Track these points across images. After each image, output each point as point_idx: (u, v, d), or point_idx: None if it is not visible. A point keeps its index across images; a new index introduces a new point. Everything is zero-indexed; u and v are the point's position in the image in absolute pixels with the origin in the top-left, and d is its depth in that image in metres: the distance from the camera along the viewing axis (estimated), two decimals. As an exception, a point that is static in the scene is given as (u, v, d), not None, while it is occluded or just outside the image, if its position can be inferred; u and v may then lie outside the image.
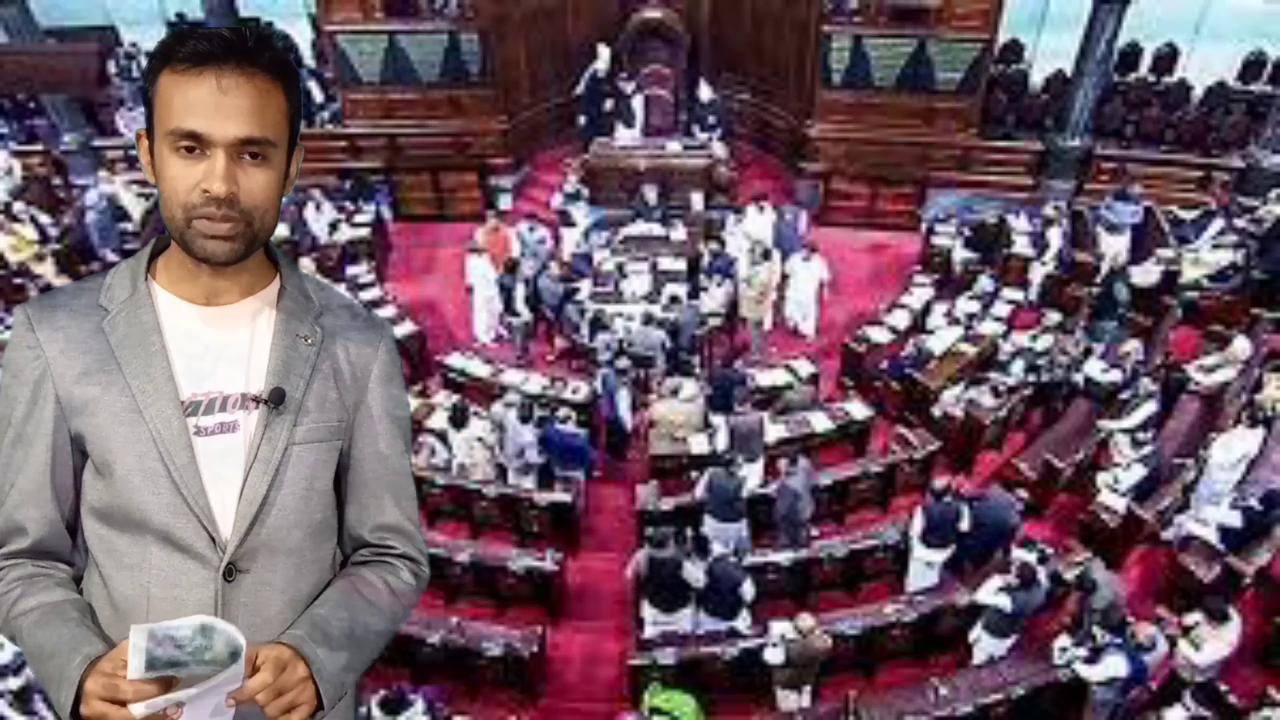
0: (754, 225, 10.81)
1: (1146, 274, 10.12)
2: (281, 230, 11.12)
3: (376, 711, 6.00)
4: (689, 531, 7.08)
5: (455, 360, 9.65)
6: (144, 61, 13.84)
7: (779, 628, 6.43)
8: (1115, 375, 8.76)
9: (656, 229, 11.08)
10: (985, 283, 10.56)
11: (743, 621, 6.89)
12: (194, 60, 1.22)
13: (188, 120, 1.22)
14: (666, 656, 6.53)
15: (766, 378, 9.44)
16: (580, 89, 12.64)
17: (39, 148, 12.82)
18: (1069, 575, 6.92)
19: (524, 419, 8.06)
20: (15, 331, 1.34)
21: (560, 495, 7.97)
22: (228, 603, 1.33)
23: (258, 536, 1.34)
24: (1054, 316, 9.61)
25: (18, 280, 10.17)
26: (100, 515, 1.34)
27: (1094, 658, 6.11)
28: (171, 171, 1.25)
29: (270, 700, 1.19)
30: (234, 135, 1.23)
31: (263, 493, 1.34)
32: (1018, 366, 9.11)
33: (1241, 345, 8.88)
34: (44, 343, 1.31)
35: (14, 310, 1.38)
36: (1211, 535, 7.15)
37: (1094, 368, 8.90)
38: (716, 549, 7.07)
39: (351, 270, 10.90)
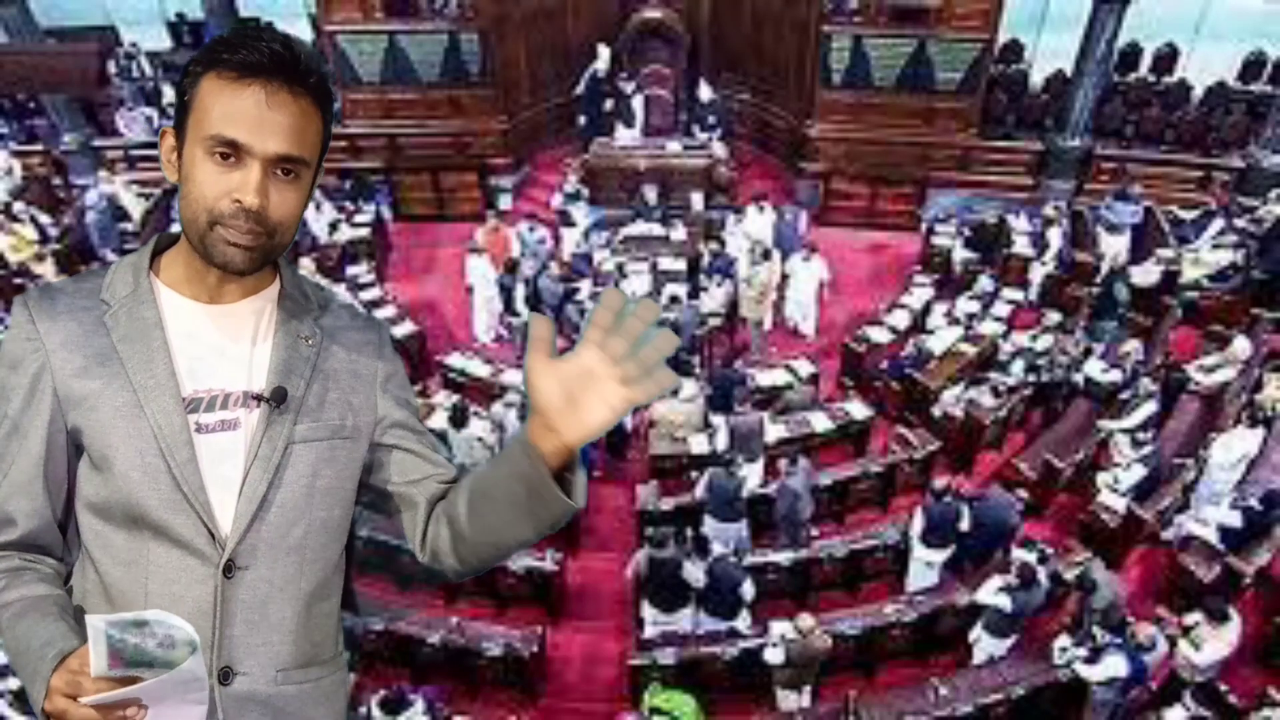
0: (754, 225, 10.81)
1: (1146, 274, 10.12)
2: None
3: (376, 711, 6.00)
4: (689, 531, 7.08)
5: (455, 360, 9.65)
6: (144, 61, 13.84)
7: (779, 628, 6.43)
8: (1115, 375, 8.76)
9: (656, 229, 11.08)
10: (985, 283, 10.56)
11: (743, 621, 6.89)
12: (242, 70, 1.23)
13: (229, 128, 1.23)
14: (666, 656, 6.54)
15: (766, 378, 9.43)
16: (580, 89, 12.64)
17: (39, 148, 12.81)
18: (1069, 575, 6.92)
19: (524, 419, 8.02)
20: (14, 323, 1.34)
21: (560, 495, 7.95)
22: (227, 599, 1.33)
23: (258, 534, 1.34)
24: (1054, 316, 9.61)
25: (18, 280, 10.16)
26: (97, 510, 1.34)
27: (1094, 658, 6.11)
28: (202, 175, 1.25)
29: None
30: (274, 151, 1.24)
31: (262, 490, 1.34)
32: (1018, 366, 9.11)
33: (1241, 345, 8.88)
34: (44, 335, 1.31)
35: (13, 302, 1.38)
36: (1211, 535, 7.15)
37: (1094, 368, 8.91)
38: (716, 549, 7.06)
39: (351, 270, 10.89)
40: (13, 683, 5.97)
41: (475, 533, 1.37)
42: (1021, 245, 11.03)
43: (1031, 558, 6.58)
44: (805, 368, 9.53)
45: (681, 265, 10.73)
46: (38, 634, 1.24)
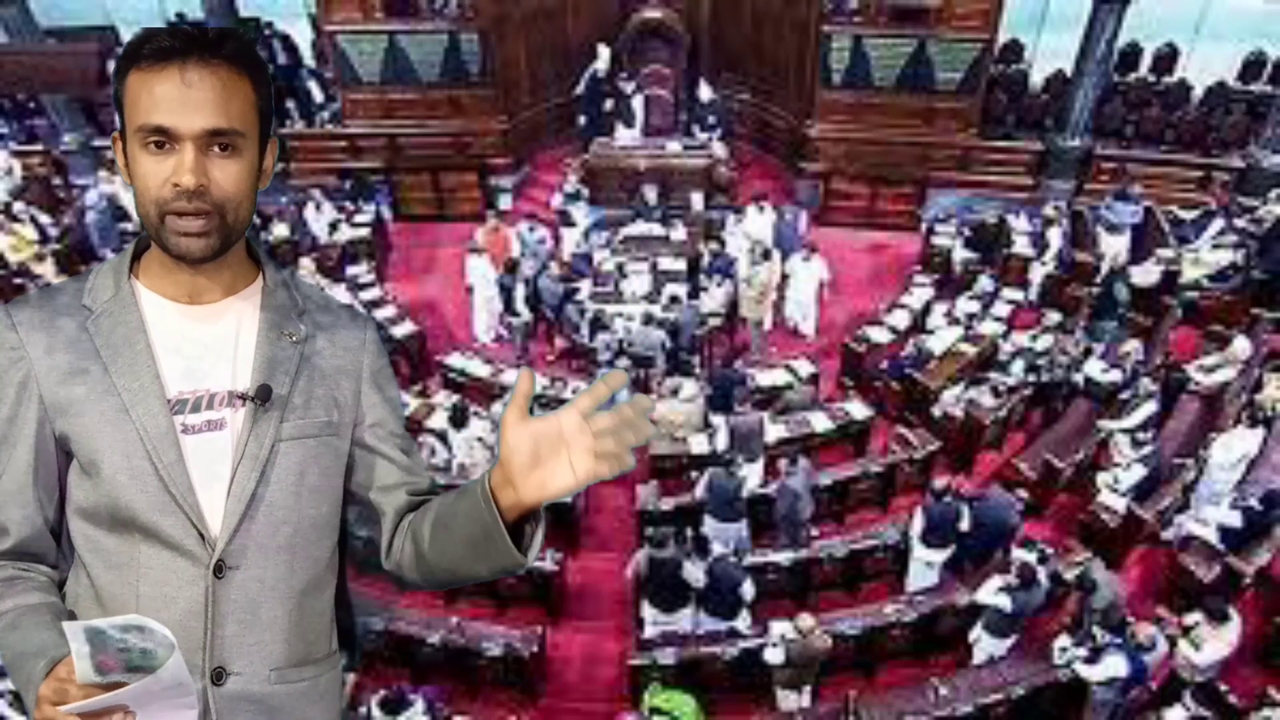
0: (754, 225, 10.81)
1: (1146, 274, 10.12)
2: (281, 230, 11.13)
3: (376, 711, 6.00)
4: (689, 531, 7.08)
5: (455, 360, 9.64)
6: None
7: (779, 628, 6.43)
8: (1115, 375, 8.76)
9: (656, 229, 11.07)
10: (985, 283, 10.55)
11: (743, 621, 6.89)
12: (158, 56, 1.23)
13: (154, 115, 1.23)
14: (666, 656, 6.53)
15: (766, 378, 9.43)
16: (580, 89, 12.64)
17: (39, 148, 12.82)
18: (1069, 575, 6.92)
19: (524, 419, 8.05)
20: None
21: (560, 495, 7.95)
22: (218, 599, 1.32)
23: (247, 533, 1.34)
24: (1054, 316, 9.61)
25: (18, 280, 10.17)
26: (87, 515, 1.34)
27: (1094, 658, 6.11)
28: (143, 169, 1.25)
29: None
30: (200, 127, 1.24)
31: (251, 489, 1.34)
32: (1018, 366, 9.11)
33: (1241, 345, 8.87)
34: (26, 343, 1.31)
35: None
36: (1211, 535, 7.15)
37: (1094, 368, 8.90)
38: (716, 549, 7.06)
39: (351, 270, 10.89)
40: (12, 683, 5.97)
41: (434, 558, 1.38)
42: (1021, 245, 11.03)
43: (1031, 558, 6.58)
44: (805, 368, 9.53)
45: (681, 265, 10.73)
46: (31, 642, 1.24)
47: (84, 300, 1.35)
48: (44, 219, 11.32)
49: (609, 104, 12.15)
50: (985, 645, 6.71)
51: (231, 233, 1.31)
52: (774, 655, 6.24)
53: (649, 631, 6.99)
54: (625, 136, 12.00)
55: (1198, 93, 12.82)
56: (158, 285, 1.36)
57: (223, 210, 1.28)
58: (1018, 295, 10.51)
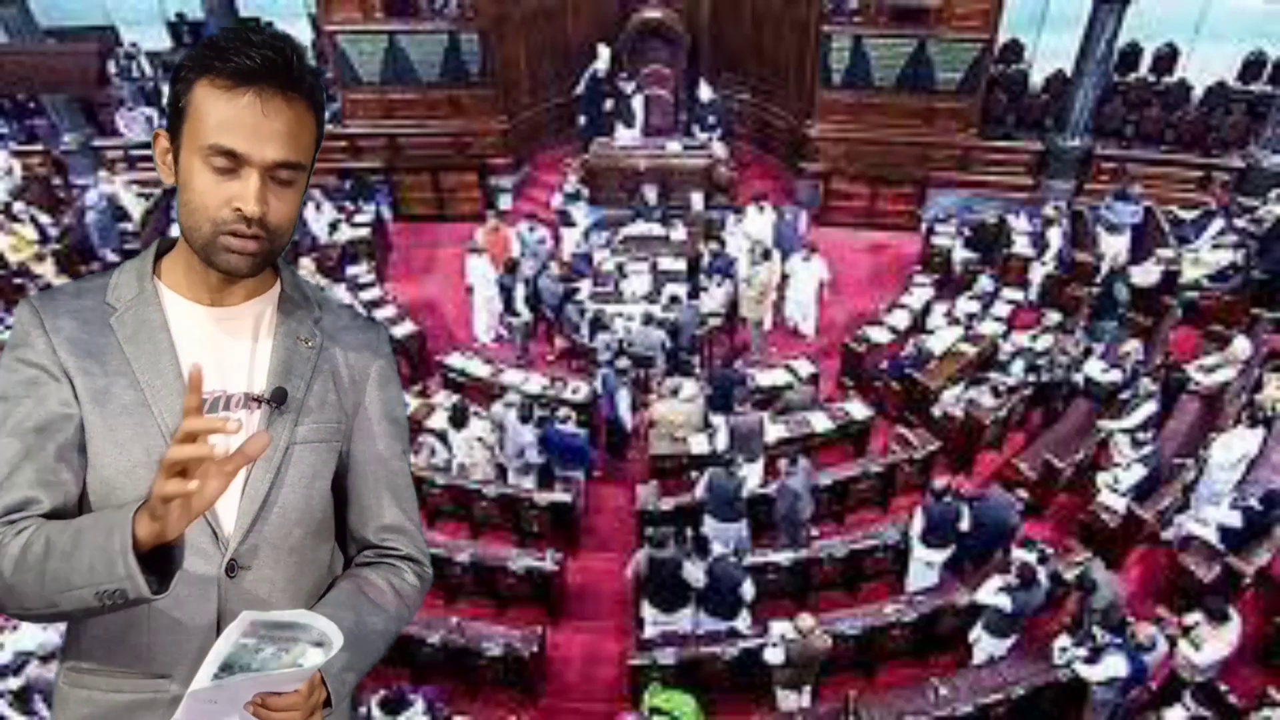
0: (754, 225, 10.81)
1: (1146, 274, 10.12)
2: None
3: (376, 711, 6.01)
4: (689, 531, 7.08)
5: (455, 360, 9.65)
6: (144, 61, 13.85)
7: (779, 628, 6.43)
8: (1115, 375, 8.76)
9: (656, 229, 11.08)
10: (985, 283, 10.56)
11: (743, 621, 6.89)
12: (236, 77, 1.22)
13: (226, 138, 1.23)
14: (666, 656, 6.54)
15: (766, 378, 9.44)
16: (580, 89, 12.64)
17: (39, 148, 12.81)
18: (1069, 575, 6.92)
19: (524, 419, 8.07)
20: (21, 323, 1.34)
21: (560, 495, 7.97)
22: (229, 598, 1.33)
23: (260, 534, 1.36)
24: (1054, 316, 9.61)
25: (18, 280, 10.17)
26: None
27: (1094, 658, 6.11)
28: (201, 185, 1.26)
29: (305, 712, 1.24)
30: (272, 159, 1.25)
31: (264, 491, 1.35)
32: (1018, 366, 9.11)
33: (1241, 345, 8.88)
34: (51, 333, 1.32)
35: (18, 304, 1.38)
36: (1211, 535, 7.16)
37: (1094, 368, 8.91)
38: (716, 549, 7.07)
39: (351, 270, 10.89)
40: (13, 683, 5.96)
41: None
42: (1021, 245, 11.04)
43: (1031, 558, 6.59)
44: (805, 368, 9.53)
45: (681, 265, 10.74)
46: (102, 513, 1.21)
47: (108, 298, 1.36)
48: (44, 219, 11.32)
49: (609, 104, 12.15)
50: (985, 645, 6.71)
51: (274, 255, 1.34)
52: (774, 655, 6.24)
53: (649, 631, 6.99)
54: (625, 136, 12.01)
55: (1198, 93, 12.82)
56: (180, 287, 1.38)
57: (274, 236, 1.30)
58: (1018, 295, 10.51)
